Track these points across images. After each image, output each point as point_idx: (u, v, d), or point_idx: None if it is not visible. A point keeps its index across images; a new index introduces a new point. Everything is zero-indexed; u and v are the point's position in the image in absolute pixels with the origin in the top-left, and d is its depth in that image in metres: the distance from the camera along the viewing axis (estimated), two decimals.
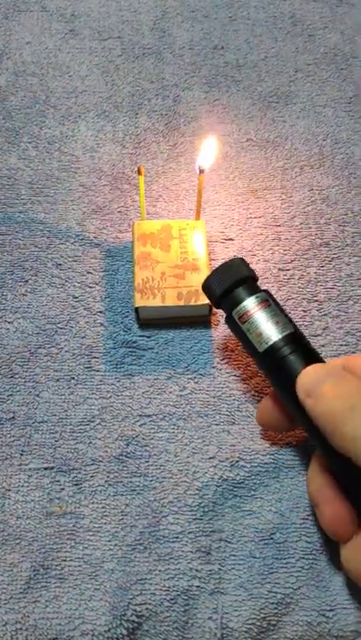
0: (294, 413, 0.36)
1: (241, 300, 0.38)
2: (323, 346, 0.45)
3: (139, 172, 0.44)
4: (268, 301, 0.38)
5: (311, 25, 0.66)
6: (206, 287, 0.40)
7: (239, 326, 0.38)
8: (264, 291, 0.39)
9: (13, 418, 0.43)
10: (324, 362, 0.37)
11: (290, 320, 0.38)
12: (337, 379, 0.33)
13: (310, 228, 0.51)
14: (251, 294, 0.38)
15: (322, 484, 0.36)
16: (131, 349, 0.45)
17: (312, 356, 0.37)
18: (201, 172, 0.44)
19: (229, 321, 0.39)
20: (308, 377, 0.35)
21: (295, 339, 0.37)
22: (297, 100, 0.59)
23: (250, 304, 0.38)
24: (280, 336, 0.37)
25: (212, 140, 0.45)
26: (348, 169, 0.55)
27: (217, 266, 0.40)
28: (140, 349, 0.45)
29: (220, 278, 0.39)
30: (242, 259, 0.41)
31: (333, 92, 0.60)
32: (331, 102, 0.59)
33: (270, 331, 0.37)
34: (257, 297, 0.38)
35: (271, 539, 0.39)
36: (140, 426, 0.42)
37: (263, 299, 0.38)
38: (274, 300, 0.39)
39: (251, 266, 0.41)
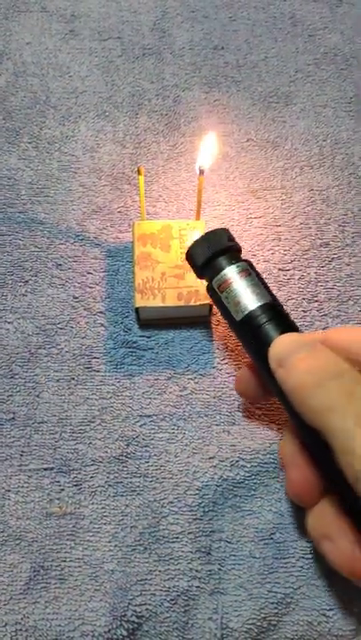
0: (268, 382, 0.36)
1: (221, 269, 0.38)
2: None
3: (139, 173, 0.44)
4: (248, 271, 0.38)
5: (311, 25, 0.66)
6: (189, 256, 0.41)
7: (218, 295, 0.38)
8: (245, 261, 0.39)
9: (13, 418, 0.42)
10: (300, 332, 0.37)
11: (269, 291, 0.38)
12: (310, 351, 0.33)
13: (310, 228, 0.51)
14: (231, 264, 0.38)
15: (292, 450, 0.36)
16: (131, 350, 0.45)
17: (288, 326, 0.37)
18: (201, 172, 0.44)
19: (210, 289, 0.39)
20: (281, 346, 0.35)
21: (272, 308, 0.37)
22: (297, 101, 0.59)
23: (229, 273, 0.38)
24: (257, 305, 0.37)
25: (212, 137, 0.45)
26: (348, 169, 0.55)
27: (201, 236, 0.40)
28: (141, 350, 0.45)
29: (203, 247, 0.40)
30: (225, 229, 0.41)
31: (333, 93, 0.60)
32: (331, 102, 0.59)
33: (248, 300, 0.37)
34: (238, 266, 0.38)
35: (271, 538, 0.39)
36: (140, 426, 0.42)
37: (243, 268, 0.38)
38: (255, 271, 0.39)
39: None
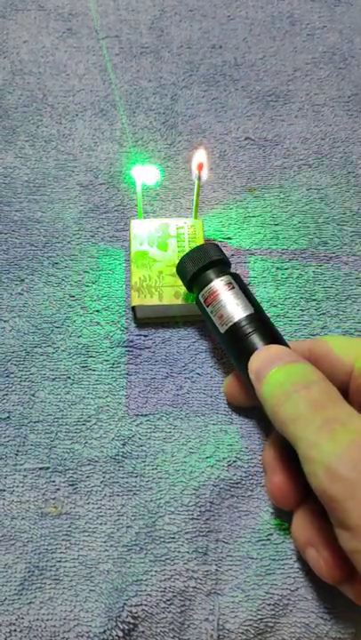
0: (252, 392, 0.37)
1: (207, 283, 0.40)
2: None
3: (198, 177, 0.44)
4: (232, 284, 0.39)
5: (310, 24, 0.65)
6: (178, 271, 0.42)
7: (205, 308, 0.40)
8: (230, 274, 0.40)
9: (9, 417, 0.42)
10: (285, 342, 0.38)
11: (254, 303, 0.39)
12: (284, 363, 0.34)
13: (308, 227, 0.51)
14: (216, 277, 0.40)
15: (273, 456, 0.37)
16: (127, 348, 0.45)
17: (273, 337, 0.38)
18: (198, 178, 0.44)
19: (198, 303, 0.41)
20: (257, 360, 0.35)
21: (256, 319, 0.38)
22: (295, 100, 0.59)
23: (213, 287, 0.39)
24: (241, 316, 0.38)
25: (202, 154, 0.44)
26: (346, 168, 0.54)
27: (189, 250, 0.42)
28: (137, 348, 0.45)
29: (190, 262, 0.41)
30: (214, 243, 0.42)
31: (332, 92, 0.60)
32: (329, 101, 0.59)
33: (232, 312, 0.38)
34: (221, 280, 0.39)
35: (268, 539, 0.38)
36: (136, 425, 0.42)
37: (227, 282, 0.39)
38: (239, 283, 0.40)
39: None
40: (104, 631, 0.35)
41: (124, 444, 0.41)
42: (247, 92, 0.60)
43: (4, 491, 0.40)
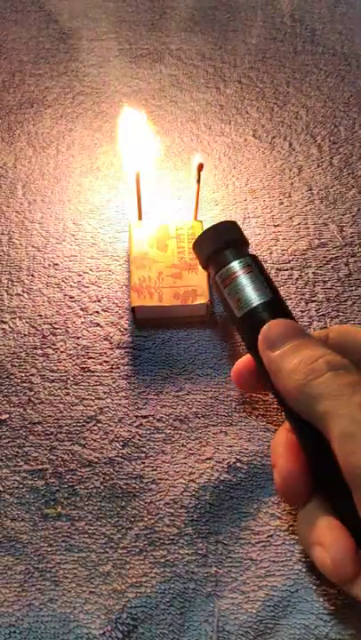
0: (264, 378, 0.36)
1: (225, 264, 0.38)
2: None
3: (136, 176, 0.44)
4: (251, 266, 0.37)
5: (310, 25, 0.66)
6: (195, 247, 0.40)
7: (221, 289, 0.38)
8: (250, 256, 0.38)
9: (8, 419, 0.42)
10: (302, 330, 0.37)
11: (273, 288, 0.37)
12: (308, 340, 0.33)
13: (309, 228, 0.51)
14: (235, 258, 0.38)
15: (282, 443, 0.35)
16: (127, 350, 0.45)
17: None
18: (199, 172, 0.44)
19: (214, 283, 0.39)
20: (276, 329, 0.34)
21: (274, 305, 0.36)
22: (295, 101, 0.59)
23: (232, 268, 0.37)
24: (259, 302, 0.36)
25: (198, 157, 0.45)
26: (346, 169, 0.54)
27: (208, 227, 0.40)
28: (137, 350, 0.45)
29: (209, 239, 0.39)
30: (234, 222, 0.40)
31: (332, 92, 0.60)
32: (329, 102, 0.59)
33: (250, 296, 0.36)
34: (241, 261, 0.37)
35: (268, 541, 0.38)
36: (136, 427, 0.42)
37: (247, 263, 0.37)
38: (259, 266, 0.38)
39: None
40: (104, 633, 0.35)
41: (123, 446, 0.41)
42: (247, 92, 0.60)
43: (4, 492, 0.40)
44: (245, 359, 0.39)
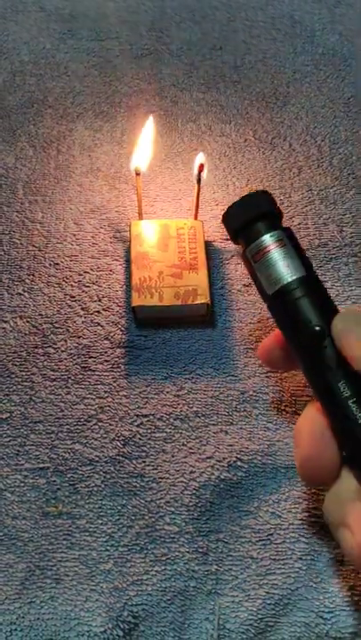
0: (297, 357, 0.35)
1: (256, 238, 0.35)
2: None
3: (136, 172, 0.44)
4: (284, 241, 0.35)
5: (310, 26, 0.66)
6: (225, 218, 0.37)
7: (252, 265, 0.36)
8: (284, 229, 0.36)
9: (9, 418, 0.42)
10: (336, 308, 0.35)
11: (306, 263, 0.35)
12: None
13: (309, 228, 0.51)
14: (267, 232, 0.35)
15: (313, 421, 0.34)
16: (128, 349, 0.45)
17: (324, 302, 0.34)
18: (199, 175, 0.44)
19: (244, 258, 0.37)
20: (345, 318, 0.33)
21: (307, 282, 0.34)
22: (295, 101, 0.59)
23: (264, 242, 0.35)
24: (291, 278, 0.34)
25: (202, 156, 0.45)
26: (346, 169, 0.55)
27: (241, 197, 0.37)
28: (138, 349, 0.45)
29: (240, 211, 0.36)
30: (266, 192, 0.37)
31: (332, 93, 0.60)
32: (329, 103, 0.59)
33: (281, 272, 0.34)
34: (272, 235, 0.35)
35: (269, 539, 0.38)
36: (136, 426, 0.42)
37: (278, 237, 0.35)
38: (293, 240, 0.35)
39: None
40: (105, 630, 0.35)
41: (124, 445, 0.41)
42: (247, 93, 0.60)
43: (5, 490, 0.40)
44: (274, 336, 0.37)
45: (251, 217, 0.36)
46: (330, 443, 0.33)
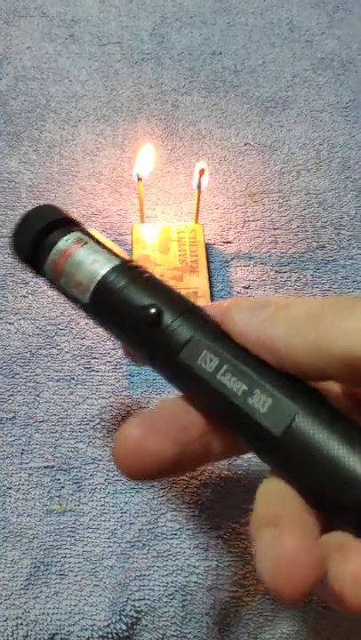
0: (138, 351, 0.27)
1: (47, 252, 0.28)
2: None
3: (138, 178, 0.45)
4: (82, 240, 0.28)
5: (308, 31, 0.67)
6: (15, 252, 0.30)
7: (58, 285, 0.28)
8: (80, 230, 0.29)
9: (14, 417, 0.43)
10: (175, 291, 0.27)
11: (118, 255, 0.28)
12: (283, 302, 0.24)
13: (307, 231, 0.52)
14: (58, 239, 0.28)
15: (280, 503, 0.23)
16: None
17: (153, 285, 0.27)
18: (198, 186, 0.45)
19: (50, 284, 0.29)
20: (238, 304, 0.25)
21: (126, 270, 0.27)
22: (294, 105, 0.60)
23: (58, 251, 0.28)
24: (104, 271, 0.27)
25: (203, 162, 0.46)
26: (344, 173, 0.55)
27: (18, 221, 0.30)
28: None
29: (22, 234, 0.29)
30: (43, 205, 0.30)
31: (330, 98, 0.61)
32: (328, 107, 0.60)
33: (90, 271, 0.27)
34: (67, 239, 0.28)
35: None
36: None
37: (75, 239, 0.28)
38: (93, 238, 0.28)
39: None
40: (108, 625, 0.36)
41: None
42: (247, 97, 0.61)
43: (11, 489, 0.41)
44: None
45: (33, 237, 0.29)
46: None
